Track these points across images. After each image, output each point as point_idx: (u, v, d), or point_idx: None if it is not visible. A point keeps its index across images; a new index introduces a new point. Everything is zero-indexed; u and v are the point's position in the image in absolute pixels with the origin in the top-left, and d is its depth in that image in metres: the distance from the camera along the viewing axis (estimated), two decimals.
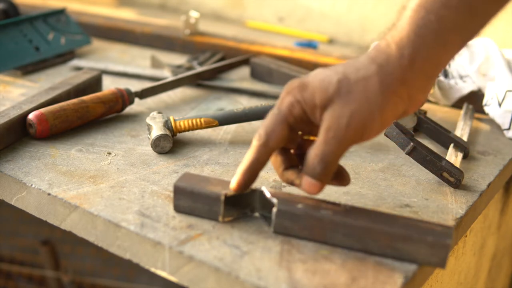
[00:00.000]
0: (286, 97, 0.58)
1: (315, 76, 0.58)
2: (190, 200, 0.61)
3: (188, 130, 0.79)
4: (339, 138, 0.56)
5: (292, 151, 0.63)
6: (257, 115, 0.81)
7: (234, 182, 0.60)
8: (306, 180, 0.58)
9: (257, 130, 0.58)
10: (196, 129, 0.80)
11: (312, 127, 0.59)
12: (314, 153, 0.57)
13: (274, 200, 0.59)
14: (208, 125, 0.80)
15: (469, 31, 0.57)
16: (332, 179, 0.60)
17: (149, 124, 0.78)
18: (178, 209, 0.63)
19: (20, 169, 0.70)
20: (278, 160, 0.61)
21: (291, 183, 0.61)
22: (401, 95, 0.57)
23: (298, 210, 0.58)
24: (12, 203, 0.70)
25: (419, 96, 0.59)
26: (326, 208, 0.58)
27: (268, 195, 0.60)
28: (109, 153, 0.76)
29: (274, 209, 0.59)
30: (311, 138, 0.62)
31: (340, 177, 0.61)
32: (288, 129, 0.58)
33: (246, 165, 0.59)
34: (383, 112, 0.56)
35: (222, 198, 0.60)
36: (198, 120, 0.79)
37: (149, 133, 0.78)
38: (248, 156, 0.59)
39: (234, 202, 0.62)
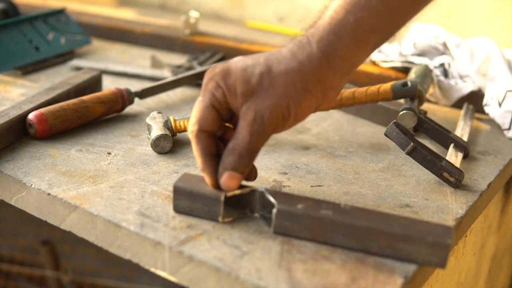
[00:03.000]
0: (209, 83, 0.60)
1: (236, 64, 0.59)
2: (190, 200, 0.61)
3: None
4: (262, 129, 0.58)
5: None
6: None
7: (209, 182, 0.61)
8: (229, 175, 0.59)
9: None
10: None
11: (229, 114, 0.61)
12: (239, 145, 0.58)
13: (274, 201, 0.59)
14: None
15: (385, 33, 0.60)
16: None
17: (149, 124, 0.78)
18: (177, 209, 0.63)
19: (20, 169, 0.70)
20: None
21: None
22: (316, 93, 0.59)
23: (298, 210, 0.58)
24: (12, 203, 0.70)
25: (332, 93, 0.61)
26: (326, 208, 0.58)
27: (268, 195, 0.60)
28: (109, 153, 0.76)
29: (274, 210, 0.59)
30: (228, 125, 0.63)
31: (250, 172, 0.63)
32: (215, 112, 0.60)
33: (200, 159, 0.61)
34: (298, 107, 0.59)
35: (222, 198, 0.60)
36: None
37: (149, 133, 0.78)
38: (195, 150, 0.61)
39: (234, 202, 0.62)
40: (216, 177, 0.60)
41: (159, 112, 0.81)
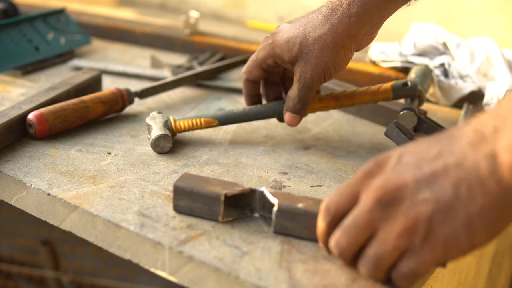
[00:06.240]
0: (261, 50, 0.77)
1: (282, 35, 0.74)
2: (190, 200, 0.61)
3: (188, 130, 0.79)
4: (307, 85, 0.74)
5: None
6: (257, 115, 0.81)
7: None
8: (289, 115, 0.77)
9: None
10: (196, 129, 0.79)
11: (285, 73, 0.81)
12: (293, 96, 0.76)
13: (275, 200, 0.59)
14: (208, 125, 0.80)
15: None
16: None
17: (149, 124, 0.78)
18: (177, 209, 0.62)
19: (20, 169, 0.70)
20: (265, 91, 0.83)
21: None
22: (350, 46, 0.73)
23: (298, 209, 0.58)
24: (12, 203, 0.70)
25: (366, 39, 0.74)
26: None
27: (268, 195, 0.60)
28: (109, 153, 0.76)
29: (274, 209, 0.59)
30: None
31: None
32: (262, 70, 0.78)
33: (244, 98, 0.82)
34: (335, 62, 0.73)
35: (222, 198, 0.60)
36: (198, 120, 0.79)
37: (149, 133, 0.78)
38: (242, 88, 0.81)
39: (234, 202, 0.62)
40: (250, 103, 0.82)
41: (159, 112, 0.81)
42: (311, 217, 0.58)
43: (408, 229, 0.48)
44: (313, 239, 0.58)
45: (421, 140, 0.52)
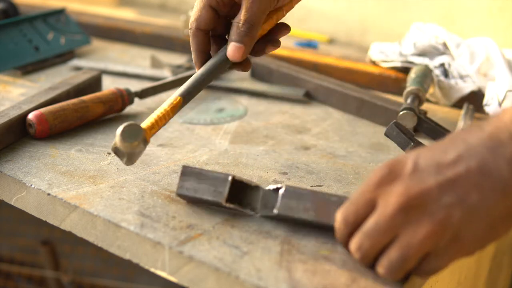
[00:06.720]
0: None
1: None
2: (196, 181, 0.62)
3: (161, 127, 0.66)
4: (257, 2, 0.64)
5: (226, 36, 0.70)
6: (217, 69, 0.69)
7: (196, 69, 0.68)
8: (232, 46, 0.65)
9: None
10: (168, 120, 0.66)
11: (235, 10, 0.67)
12: (238, 19, 0.65)
13: (280, 185, 0.60)
14: (177, 108, 0.66)
15: None
16: (239, 65, 0.68)
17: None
18: (181, 191, 0.63)
19: (20, 169, 0.70)
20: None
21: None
22: None
23: (304, 189, 0.60)
24: (12, 203, 0.70)
25: None
26: (331, 194, 0.59)
27: (272, 186, 0.61)
28: (109, 153, 0.76)
29: (281, 191, 0.59)
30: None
31: (245, 64, 0.69)
32: (212, 11, 0.67)
33: (193, 53, 0.68)
34: None
35: (230, 178, 0.61)
36: (163, 110, 0.65)
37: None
38: (191, 44, 0.68)
39: (237, 198, 0.62)
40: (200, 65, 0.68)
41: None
42: (317, 196, 0.59)
43: (435, 233, 0.49)
44: (317, 221, 0.59)
45: (432, 145, 0.53)
